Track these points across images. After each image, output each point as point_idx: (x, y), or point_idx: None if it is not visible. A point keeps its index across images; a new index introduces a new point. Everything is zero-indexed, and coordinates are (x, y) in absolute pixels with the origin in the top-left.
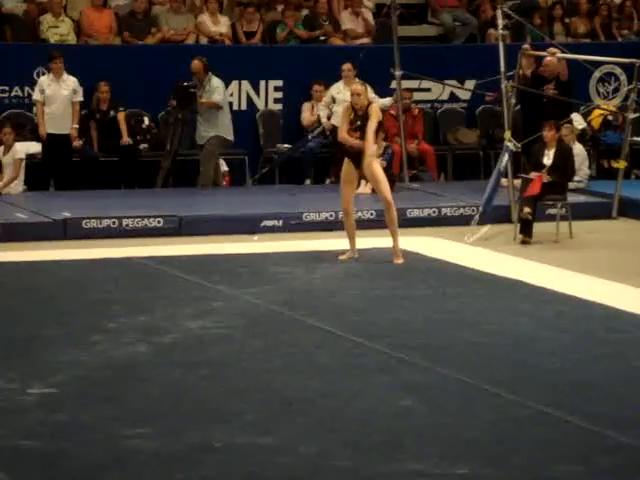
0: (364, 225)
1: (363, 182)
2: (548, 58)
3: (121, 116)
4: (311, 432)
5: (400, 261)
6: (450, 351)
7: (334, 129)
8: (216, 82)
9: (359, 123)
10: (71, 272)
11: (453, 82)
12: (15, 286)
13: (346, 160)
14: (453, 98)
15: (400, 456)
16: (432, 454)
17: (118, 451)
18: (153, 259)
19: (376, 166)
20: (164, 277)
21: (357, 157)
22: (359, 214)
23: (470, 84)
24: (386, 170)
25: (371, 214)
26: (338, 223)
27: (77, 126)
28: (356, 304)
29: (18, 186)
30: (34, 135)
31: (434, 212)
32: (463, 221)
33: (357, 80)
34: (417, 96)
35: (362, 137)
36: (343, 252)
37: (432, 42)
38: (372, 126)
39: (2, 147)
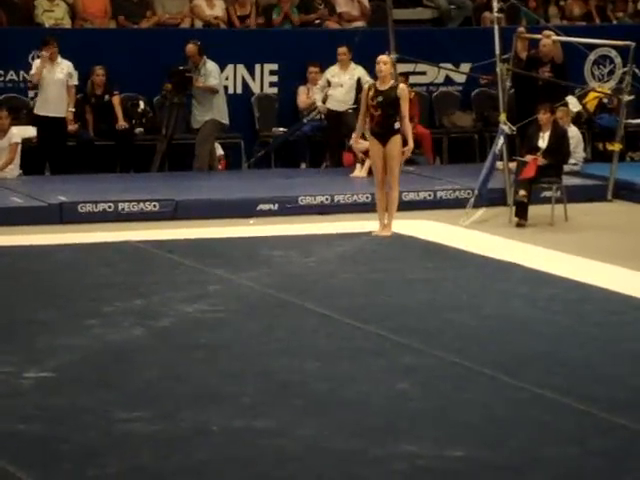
0: (358, 209)
1: (358, 166)
2: (543, 41)
3: (116, 100)
4: (307, 415)
5: (389, 234)
6: (445, 334)
7: (329, 112)
8: (211, 66)
9: (380, 99)
10: (67, 256)
11: (448, 65)
12: (11, 270)
13: (371, 138)
14: (448, 81)
15: (396, 438)
16: (428, 436)
17: (115, 434)
18: (149, 243)
19: (400, 144)
20: (160, 261)
21: (382, 134)
22: (354, 198)
23: (465, 67)
24: None
25: (367, 197)
26: (333, 207)
27: (73, 110)
28: (352, 287)
29: (14, 170)
30: (30, 119)
31: (430, 195)
32: (459, 204)
33: (386, 55)
34: (412, 79)
35: (384, 114)
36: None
37: (427, 25)
38: (405, 111)
39: None
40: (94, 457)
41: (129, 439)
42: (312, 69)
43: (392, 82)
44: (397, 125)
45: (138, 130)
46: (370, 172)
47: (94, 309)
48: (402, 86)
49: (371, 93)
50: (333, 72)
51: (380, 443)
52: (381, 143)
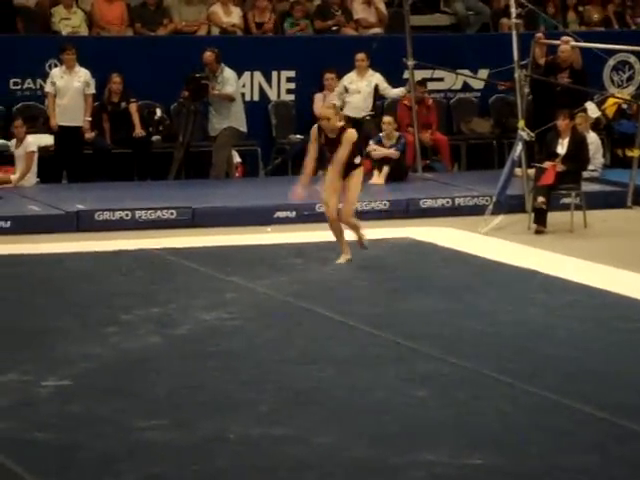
0: (376, 216)
1: (376, 172)
2: (562, 47)
3: (133, 108)
4: (325, 423)
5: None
6: (464, 341)
7: (347, 119)
8: (228, 73)
9: (334, 148)
10: (84, 264)
11: (466, 71)
12: (28, 279)
13: (330, 168)
14: (466, 87)
15: (414, 446)
16: (446, 444)
17: (132, 443)
18: (166, 251)
19: (361, 177)
20: (177, 269)
21: (343, 171)
22: (372, 205)
23: (483, 73)
24: (399, 160)
25: (384, 204)
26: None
27: (90, 118)
28: (370, 295)
29: (31, 179)
30: (46, 127)
31: (448, 202)
32: (477, 211)
33: (326, 104)
34: (430, 86)
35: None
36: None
37: (445, 31)
38: (343, 155)
39: (14, 140)
40: (111, 465)
41: (146, 447)
42: (328, 76)
43: (340, 125)
44: (357, 160)
45: (155, 138)
46: (388, 178)
47: (111, 317)
48: (349, 132)
49: (322, 140)
50: (350, 79)
51: (398, 451)
52: (341, 177)
